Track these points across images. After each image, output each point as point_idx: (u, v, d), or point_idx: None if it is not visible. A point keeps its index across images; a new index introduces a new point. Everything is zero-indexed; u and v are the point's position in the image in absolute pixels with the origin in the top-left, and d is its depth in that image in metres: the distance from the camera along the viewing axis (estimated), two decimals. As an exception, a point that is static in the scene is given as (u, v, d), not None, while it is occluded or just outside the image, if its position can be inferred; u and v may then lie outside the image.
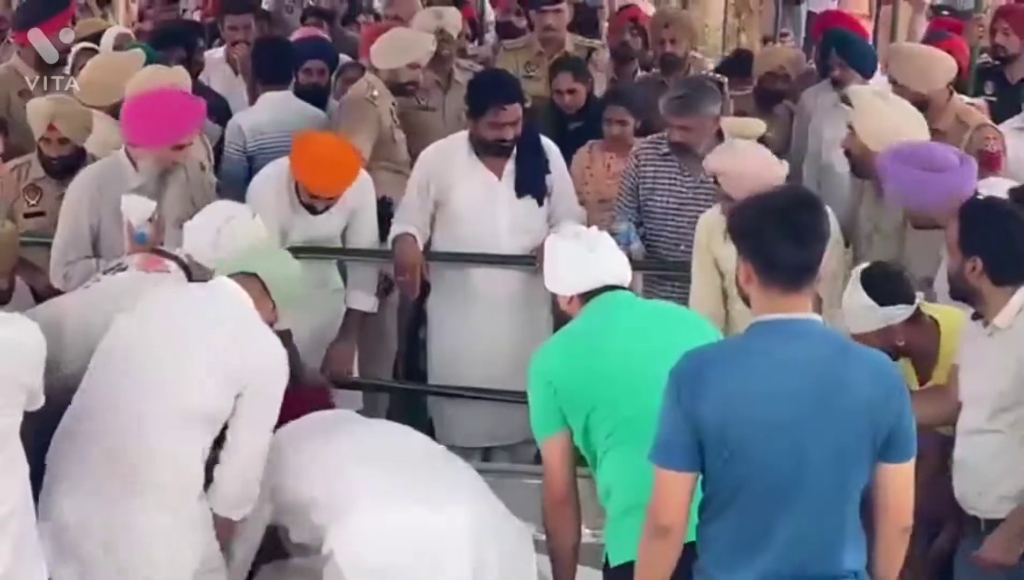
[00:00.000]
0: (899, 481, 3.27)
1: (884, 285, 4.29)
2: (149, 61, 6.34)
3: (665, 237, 5.82)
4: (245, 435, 4.02)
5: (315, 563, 4.10)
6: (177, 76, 6.00)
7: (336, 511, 4.00)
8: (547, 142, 5.91)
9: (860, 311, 4.28)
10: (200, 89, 6.65)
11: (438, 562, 3.99)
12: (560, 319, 4.06)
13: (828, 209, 3.37)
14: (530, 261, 5.77)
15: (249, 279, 4.17)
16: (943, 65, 6.16)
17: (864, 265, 4.46)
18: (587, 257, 3.91)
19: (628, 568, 3.45)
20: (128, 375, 4.01)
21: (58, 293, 5.08)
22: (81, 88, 6.25)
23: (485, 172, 5.79)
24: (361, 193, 5.77)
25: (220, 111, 6.86)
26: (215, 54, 8.02)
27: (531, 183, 5.80)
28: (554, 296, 4.14)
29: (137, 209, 5.03)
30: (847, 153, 5.38)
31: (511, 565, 4.06)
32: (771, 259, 3.18)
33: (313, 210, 5.63)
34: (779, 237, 3.17)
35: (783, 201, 3.29)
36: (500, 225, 5.82)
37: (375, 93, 6.50)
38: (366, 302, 5.90)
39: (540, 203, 5.83)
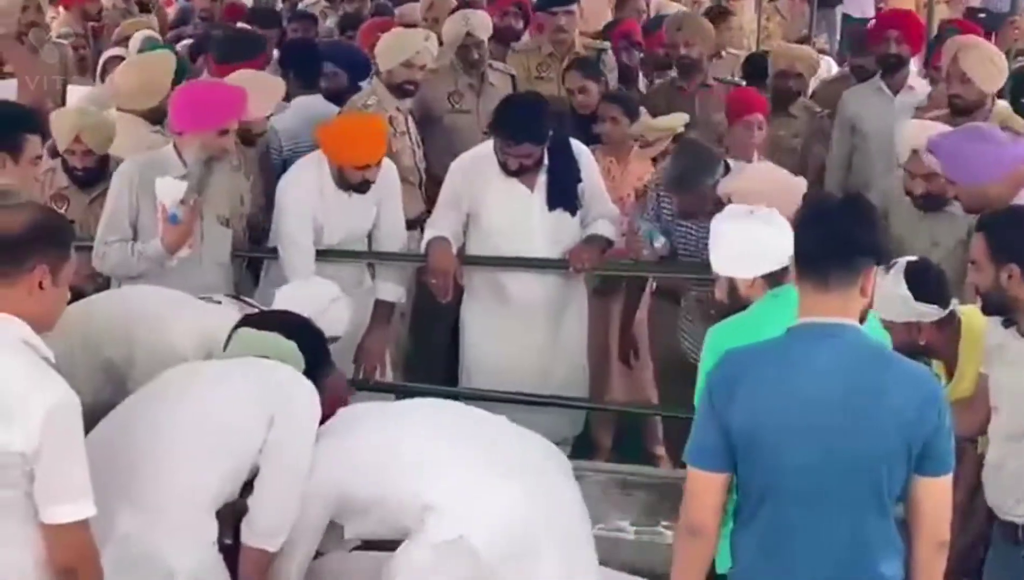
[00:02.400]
0: (935, 495, 3.23)
1: (925, 282, 4.28)
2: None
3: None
4: (279, 465, 3.99)
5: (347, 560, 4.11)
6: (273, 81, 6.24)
7: (442, 498, 3.92)
8: (577, 146, 5.89)
9: (895, 299, 4.26)
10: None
11: (542, 534, 3.96)
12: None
13: None
14: (563, 265, 5.79)
15: None
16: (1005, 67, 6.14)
17: (911, 258, 4.43)
18: (768, 233, 3.77)
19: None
20: (162, 401, 4.04)
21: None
22: (117, 94, 6.32)
23: (517, 185, 5.78)
24: (386, 179, 5.82)
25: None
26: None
27: (564, 196, 5.80)
28: (708, 291, 3.98)
29: (169, 191, 5.11)
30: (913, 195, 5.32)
31: (579, 521, 4.10)
32: (799, 251, 3.22)
33: (361, 189, 5.68)
34: (810, 230, 3.22)
35: (830, 203, 3.36)
36: (535, 238, 5.82)
37: (369, 102, 6.49)
38: (394, 293, 5.96)
39: (573, 214, 5.83)
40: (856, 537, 3.17)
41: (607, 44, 7.76)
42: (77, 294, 5.12)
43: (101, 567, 3.34)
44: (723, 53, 8.33)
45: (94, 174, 5.82)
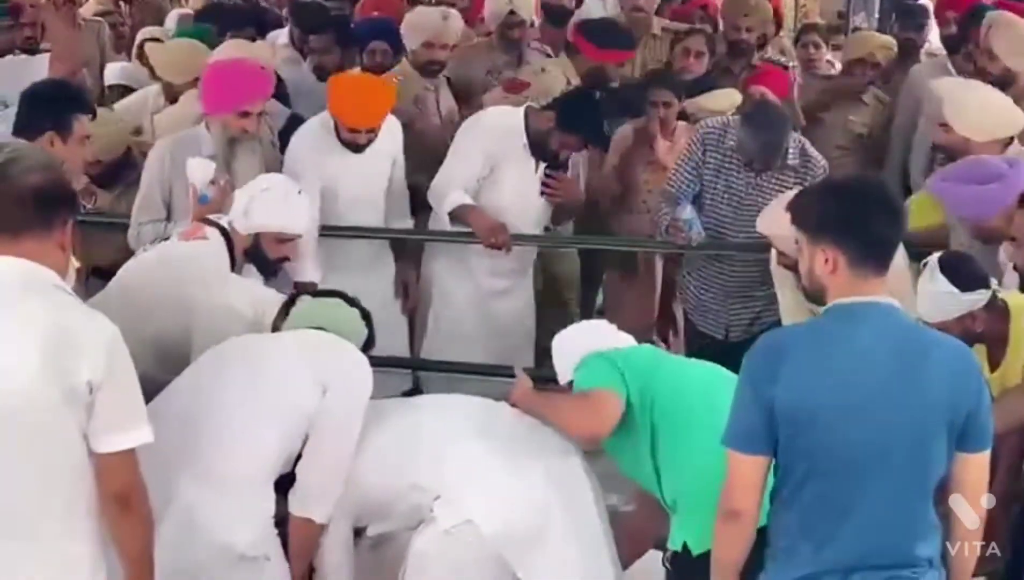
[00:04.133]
0: (975, 471, 3.22)
1: (963, 271, 4.25)
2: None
3: (724, 224, 5.71)
4: (329, 435, 4.03)
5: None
6: (261, 51, 6.18)
7: (450, 486, 3.99)
8: None
9: (942, 298, 4.22)
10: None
11: (549, 518, 4.01)
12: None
13: None
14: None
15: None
16: None
17: (936, 255, 4.39)
18: None
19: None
20: (219, 373, 4.08)
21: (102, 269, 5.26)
22: (162, 66, 6.47)
23: (531, 164, 5.87)
24: (398, 139, 5.90)
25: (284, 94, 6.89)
26: (279, 37, 8.02)
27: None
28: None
29: (199, 171, 5.14)
30: (939, 148, 5.32)
31: (590, 504, 4.14)
32: (875, 239, 3.16)
33: (356, 148, 5.73)
34: (885, 218, 3.16)
35: (876, 188, 3.29)
36: (528, 218, 5.95)
37: (397, 78, 6.48)
38: (406, 222, 6.06)
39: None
40: (897, 516, 3.15)
41: (684, 27, 7.66)
42: (106, 272, 5.18)
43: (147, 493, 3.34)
44: None
45: (111, 176, 5.93)
